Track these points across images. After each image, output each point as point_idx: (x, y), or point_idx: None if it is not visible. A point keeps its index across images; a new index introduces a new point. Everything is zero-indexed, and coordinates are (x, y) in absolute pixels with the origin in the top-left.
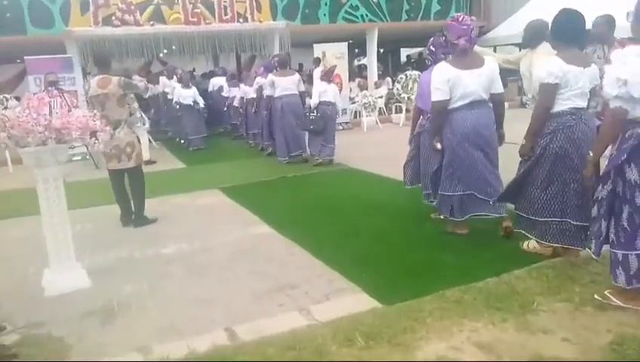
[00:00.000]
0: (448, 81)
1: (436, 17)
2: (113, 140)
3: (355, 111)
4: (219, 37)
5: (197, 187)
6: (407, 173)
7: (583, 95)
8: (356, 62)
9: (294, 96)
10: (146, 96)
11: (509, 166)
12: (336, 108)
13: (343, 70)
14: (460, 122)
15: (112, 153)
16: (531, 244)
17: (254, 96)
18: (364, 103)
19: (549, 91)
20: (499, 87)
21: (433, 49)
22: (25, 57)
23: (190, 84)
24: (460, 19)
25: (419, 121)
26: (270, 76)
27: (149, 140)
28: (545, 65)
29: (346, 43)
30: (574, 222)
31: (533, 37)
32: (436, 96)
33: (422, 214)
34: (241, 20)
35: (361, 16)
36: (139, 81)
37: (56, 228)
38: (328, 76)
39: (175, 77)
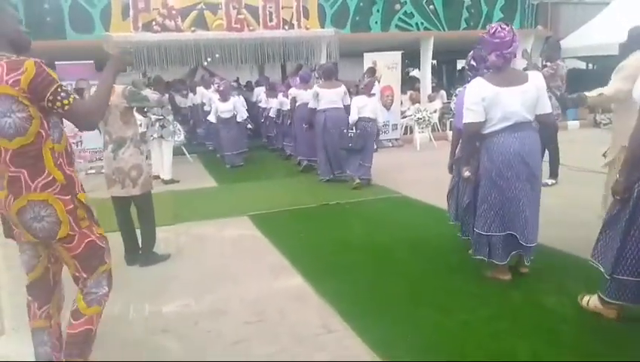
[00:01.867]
0: (483, 100)
1: None
2: (116, 161)
3: (406, 127)
4: (263, 44)
5: (224, 213)
6: (451, 206)
7: None
8: (406, 74)
9: (339, 110)
10: (161, 108)
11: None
12: (377, 125)
13: (395, 82)
14: (500, 147)
15: (114, 177)
16: (592, 302)
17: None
18: (418, 118)
19: None
20: (546, 107)
21: (474, 63)
22: (56, 62)
23: (229, 96)
24: (492, 31)
25: (459, 145)
26: (315, 87)
27: (185, 153)
28: None
29: (400, 52)
30: None
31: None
32: (468, 117)
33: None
34: (286, 27)
35: (416, 24)
36: (150, 93)
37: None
38: (368, 89)
39: (212, 87)
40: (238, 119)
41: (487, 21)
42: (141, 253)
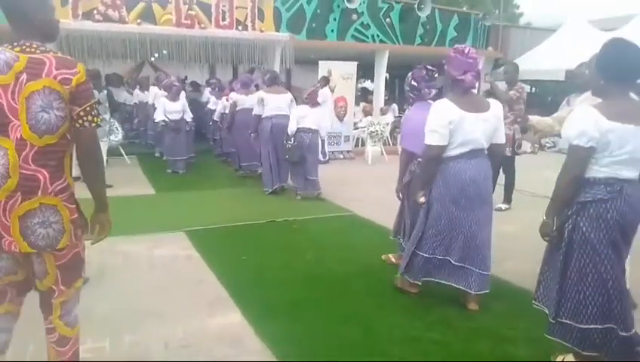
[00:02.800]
0: (450, 124)
1: (451, 44)
2: None
3: (358, 138)
4: (214, 44)
5: (158, 227)
6: (396, 223)
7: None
8: (359, 85)
9: (286, 117)
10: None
11: None
12: (318, 136)
13: (349, 93)
14: (456, 174)
15: None
16: (568, 358)
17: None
18: (371, 132)
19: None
20: (501, 137)
21: (415, 84)
22: None
23: (179, 96)
24: (466, 50)
25: (409, 168)
26: (260, 92)
27: (122, 154)
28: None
29: (356, 63)
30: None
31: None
32: (433, 139)
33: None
34: (240, 28)
35: (372, 36)
36: None
37: None
38: (311, 99)
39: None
40: (188, 120)
41: (441, 38)
42: None
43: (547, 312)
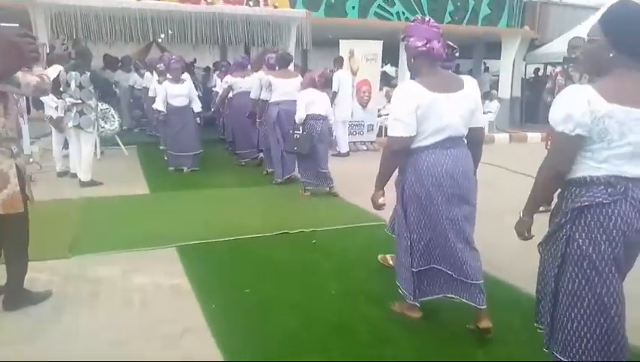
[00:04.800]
0: (417, 109)
1: (484, 22)
2: None
3: (381, 127)
4: (222, 22)
5: (145, 239)
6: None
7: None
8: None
9: (294, 103)
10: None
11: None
12: (329, 123)
13: (373, 76)
14: (430, 167)
15: None
16: None
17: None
18: None
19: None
20: (480, 119)
21: None
22: None
23: (181, 77)
24: (427, 19)
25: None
26: (267, 76)
27: (120, 144)
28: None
29: (381, 42)
30: None
31: None
32: (396, 130)
33: None
34: (251, 3)
35: (397, 13)
36: (28, 74)
37: None
38: (320, 82)
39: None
40: (196, 109)
41: (472, 16)
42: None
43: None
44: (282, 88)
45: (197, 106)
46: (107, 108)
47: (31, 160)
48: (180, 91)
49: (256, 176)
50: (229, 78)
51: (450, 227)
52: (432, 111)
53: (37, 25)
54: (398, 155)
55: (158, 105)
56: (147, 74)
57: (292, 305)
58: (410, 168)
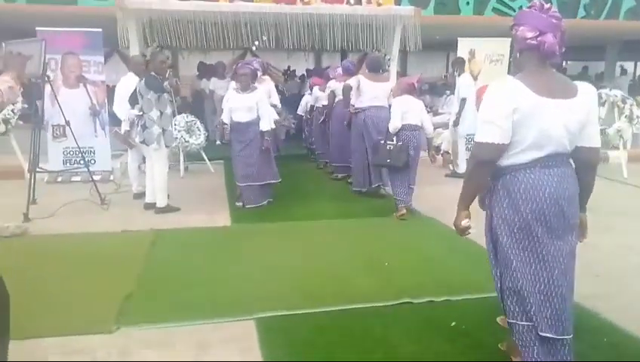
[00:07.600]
0: (514, 113)
1: (627, 17)
2: None
3: None
4: (320, 24)
5: (213, 304)
6: None
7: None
8: None
9: (383, 109)
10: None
11: None
12: (424, 135)
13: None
14: (529, 189)
15: None
16: None
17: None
18: None
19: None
20: (595, 138)
21: None
22: (37, 28)
23: (249, 86)
24: (546, 6)
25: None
26: (358, 77)
27: (205, 159)
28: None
29: (508, 40)
30: None
31: None
32: (487, 135)
33: None
34: (352, 1)
35: (519, 8)
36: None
37: None
38: (411, 88)
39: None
40: (264, 128)
41: (613, 9)
42: None
43: None
44: (371, 92)
45: (264, 124)
46: (192, 121)
47: (111, 177)
48: (242, 103)
49: (356, 200)
50: (332, 84)
51: (557, 264)
52: (534, 118)
53: (128, 32)
54: (487, 167)
55: (224, 117)
56: (232, 82)
57: None
58: (502, 191)
